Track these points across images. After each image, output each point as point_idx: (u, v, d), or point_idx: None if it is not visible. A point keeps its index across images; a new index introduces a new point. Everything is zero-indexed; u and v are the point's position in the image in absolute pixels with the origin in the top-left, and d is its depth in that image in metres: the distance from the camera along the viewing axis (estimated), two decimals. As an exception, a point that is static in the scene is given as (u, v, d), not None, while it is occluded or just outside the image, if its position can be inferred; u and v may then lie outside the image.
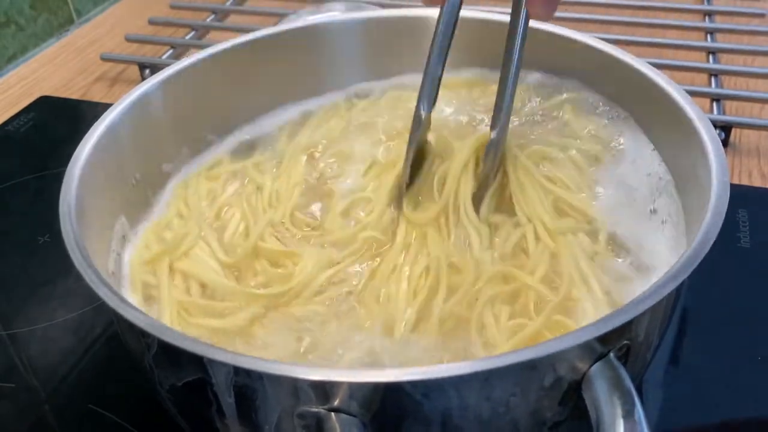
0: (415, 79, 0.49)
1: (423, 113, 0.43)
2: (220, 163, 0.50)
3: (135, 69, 0.77)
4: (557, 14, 0.40)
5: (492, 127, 0.42)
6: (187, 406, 0.35)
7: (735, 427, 0.42)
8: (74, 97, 0.75)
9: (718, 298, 0.48)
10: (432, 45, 0.43)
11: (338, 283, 0.40)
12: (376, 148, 0.49)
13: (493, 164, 0.42)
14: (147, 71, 0.75)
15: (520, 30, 0.41)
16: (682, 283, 0.31)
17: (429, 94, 0.43)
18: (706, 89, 0.67)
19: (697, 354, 0.45)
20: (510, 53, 0.41)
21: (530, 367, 0.28)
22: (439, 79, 0.43)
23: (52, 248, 0.55)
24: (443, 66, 0.43)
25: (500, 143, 0.42)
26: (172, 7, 0.89)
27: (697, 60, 0.73)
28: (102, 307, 0.34)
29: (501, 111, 0.42)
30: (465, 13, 0.44)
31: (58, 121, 0.71)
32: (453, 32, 0.43)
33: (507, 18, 0.42)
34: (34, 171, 0.63)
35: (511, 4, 0.42)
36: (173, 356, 0.31)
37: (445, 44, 0.43)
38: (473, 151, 0.44)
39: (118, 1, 0.95)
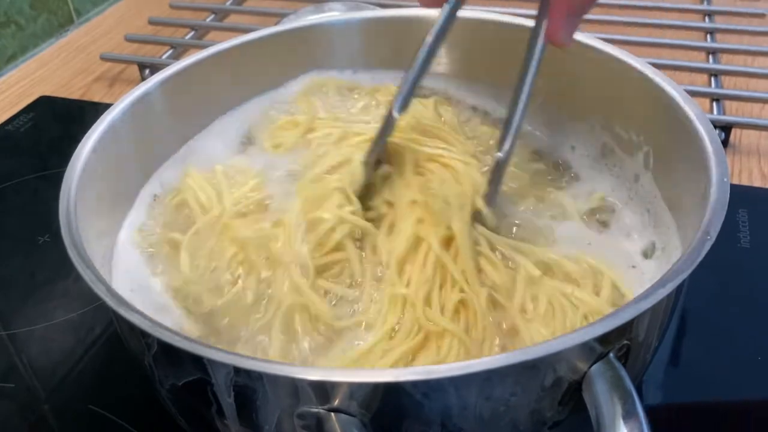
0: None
1: (396, 115, 0.43)
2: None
3: (135, 69, 0.77)
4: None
5: (500, 147, 0.41)
6: (187, 406, 0.35)
7: (735, 427, 0.42)
8: (74, 97, 0.75)
9: (718, 298, 0.48)
10: (420, 48, 0.42)
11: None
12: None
13: (498, 183, 0.41)
14: (147, 71, 0.75)
15: (538, 51, 0.41)
16: (682, 283, 0.31)
17: (405, 97, 0.42)
18: (706, 89, 0.67)
19: (697, 354, 0.45)
20: (525, 74, 0.41)
21: (530, 367, 0.28)
22: (416, 83, 0.43)
23: (52, 248, 0.55)
24: (425, 71, 0.42)
25: (506, 164, 0.41)
26: (172, 7, 0.89)
27: (697, 60, 0.73)
28: (102, 307, 0.35)
29: (510, 129, 0.41)
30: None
31: (58, 121, 0.71)
32: (443, 37, 0.42)
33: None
34: (34, 171, 0.63)
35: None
36: (173, 356, 0.31)
37: (434, 49, 0.42)
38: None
39: (118, 1, 0.95)
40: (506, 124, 0.41)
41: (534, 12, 0.41)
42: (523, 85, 0.41)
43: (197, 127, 0.50)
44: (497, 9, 0.55)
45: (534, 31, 0.41)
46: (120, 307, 0.31)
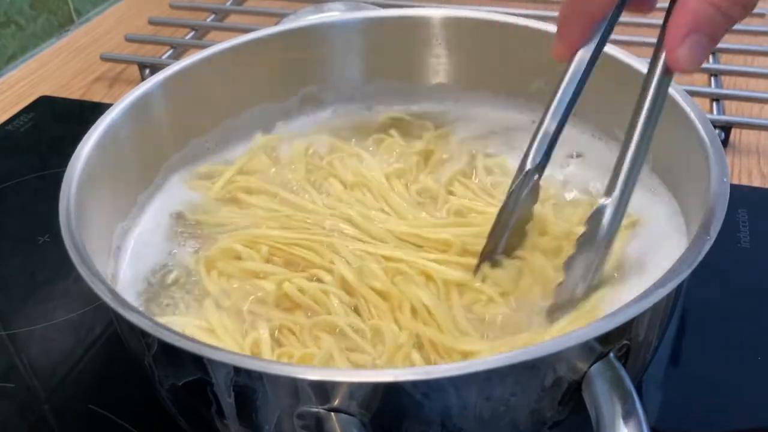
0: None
1: (528, 167, 0.38)
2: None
3: (135, 69, 0.77)
4: (556, 14, 0.38)
5: (606, 193, 0.35)
6: (187, 406, 0.35)
7: (735, 427, 0.42)
8: (74, 97, 0.75)
9: (718, 298, 0.48)
10: (553, 94, 0.38)
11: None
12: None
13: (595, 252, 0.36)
14: (147, 71, 0.75)
15: (654, 83, 0.35)
16: (682, 283, 0.31)
17: (539, 149, 0.38)
18: (706, 89, 0.67)
19: (697, 354, 0.45)
20: (639, 111, 0.35)
21: (530, 367, 0.28)
22: (555, 137, 0.38)
23: (52, 248, 0.54)
24: (563, 122, 0.38)
25: (613, 222, 0.35)
26: (172, 7, 0.89)
27: (697, 60, 0.73)
28: (102, 307, 0.34)
29: (618, 178, 0.35)
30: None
31: (58, 121, 0.71)
32: (583, 84, 0.38)
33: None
34: (34, 171, 0.63)
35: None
36: (173, 356, 0.31)
37: (569, 96, 0.37)
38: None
39: (118, 1, 0.95)
40: (615, 167, 0.35)
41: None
42: (634, 129, 0.35)
43: (196, 129, 0.50)
44: (501, 9, 0.55)
45: (651, 64, 0.35)
46: (120, 307, 0.31)
